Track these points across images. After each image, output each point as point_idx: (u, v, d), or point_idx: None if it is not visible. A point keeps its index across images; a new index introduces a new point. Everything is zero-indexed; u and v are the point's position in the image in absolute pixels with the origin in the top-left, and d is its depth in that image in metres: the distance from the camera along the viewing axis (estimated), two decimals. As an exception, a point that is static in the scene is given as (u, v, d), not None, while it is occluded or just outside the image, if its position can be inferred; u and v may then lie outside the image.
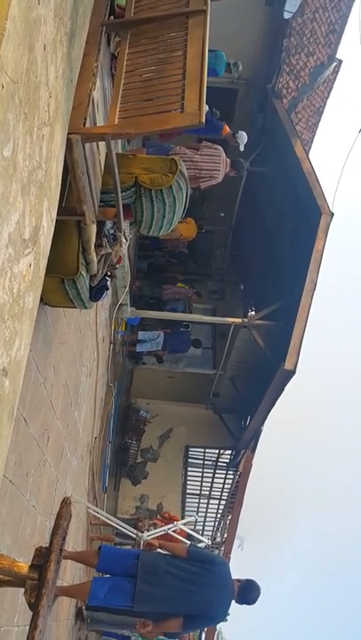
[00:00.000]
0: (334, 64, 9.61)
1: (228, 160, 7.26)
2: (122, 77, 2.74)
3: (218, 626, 16.18)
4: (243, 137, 7.96)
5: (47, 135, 1.95)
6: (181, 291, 11.49)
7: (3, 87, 1.42)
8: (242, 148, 8.22)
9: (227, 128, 7.72)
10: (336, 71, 9.86)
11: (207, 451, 12.76)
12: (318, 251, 7.86)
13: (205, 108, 2.45)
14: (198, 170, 6.95)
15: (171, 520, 7.61)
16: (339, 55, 9.58)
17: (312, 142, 10.95)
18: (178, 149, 7.00)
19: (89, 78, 2.56)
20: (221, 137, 7.81)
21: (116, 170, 2.70)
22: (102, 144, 2.90)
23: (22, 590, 1.88)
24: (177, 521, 7.43)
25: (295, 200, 8.56)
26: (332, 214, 7.82)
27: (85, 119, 2.44)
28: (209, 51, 2.72)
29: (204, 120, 2.37)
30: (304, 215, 8.20)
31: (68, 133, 2.32)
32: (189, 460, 12.77)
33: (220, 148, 7.30)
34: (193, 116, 2.39)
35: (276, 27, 8.86)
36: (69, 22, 2.19)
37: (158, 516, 7.72)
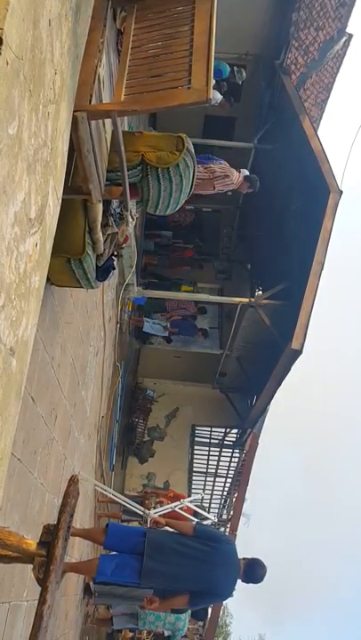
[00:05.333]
0: (344, 38, 9.43)
1: (238, 173, 7.19)
2: (128, 53, 2.70)
3: (224, 602, 16.44)
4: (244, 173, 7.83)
5: (53, 113, 1.92)
6: (184, 306, 11.42)
7: (7, 63, 1.40)
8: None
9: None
10: (346, 46, 9.67)
11: (213, 430, 12.85)
12: (326, 230, 7.78)
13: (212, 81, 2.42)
14: (211, 172, 6.94)
15: (176, 498, 7.68)
16: (349, 29, 9.40)
17: (321, 119, 10.80)
18: None
19: (95, 54, 2.52)
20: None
21: (123, 148, 2.67)
22: (108, 121, 2.87)
23: (31, 566, 1.91)
24: (183, 499, 7.50)
25: (303, 178, 8.47)
26: (341, 192, 7.73)
27: (91, 96, 2.40)
28: None
29: (210, 96, 2.34)
30: (312, 193, 8.12)
31: (74, 111, 2.29)
32: (196, 439, 12.86)
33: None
34: (200, 92, 2.36)
35: (284, 0, 8.69)
36: (74, -4, 2.15)
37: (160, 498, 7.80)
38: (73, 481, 2.03)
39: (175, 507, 6.79)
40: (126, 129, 6.49)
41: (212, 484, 12.78)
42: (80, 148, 2.43)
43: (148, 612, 6.00)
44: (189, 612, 6.55)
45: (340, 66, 10.02)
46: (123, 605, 6.27)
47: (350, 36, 9.52)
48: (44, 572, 1.83)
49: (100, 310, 5.95)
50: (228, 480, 12.82)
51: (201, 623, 9.35)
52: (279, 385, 9.48)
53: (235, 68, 8.86)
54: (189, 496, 9.63)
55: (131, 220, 3.40)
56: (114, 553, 4.43)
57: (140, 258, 10.36)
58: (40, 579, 1.83)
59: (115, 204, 3.37)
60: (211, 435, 12.90)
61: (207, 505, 12.23)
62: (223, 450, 12.78)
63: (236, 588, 4.37)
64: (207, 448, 12.82)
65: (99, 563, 4.19)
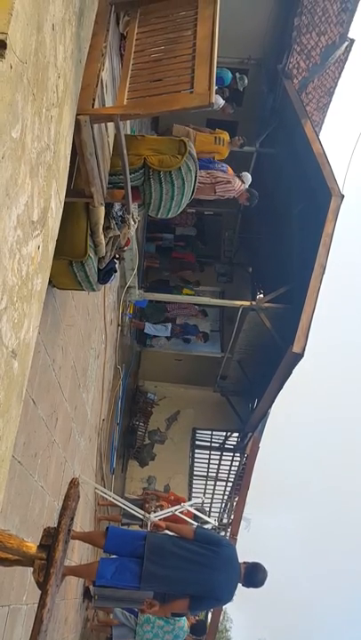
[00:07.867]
0: (346, 43, 9.46)
1: (240, 182, 7.25)
2: (131, 57, 2.70)
3: (224, 606, 16.36)
4: (247, 178, 7.84)
5: (56, 116, 1.93)
6: (185, 307, 11.42)
7: (11, 67, 1.40)
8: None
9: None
10: (348, 51, 9.70)
11: (214, 433, 12.83)
12: (328, 234, 7.79)
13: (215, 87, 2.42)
14: (213, 177, 6.96)
15: (176, 501, 7.67)
16: (351, 34, 9.43)
17: (323, 123, 10.83)
18: None
19: (98, 59, 2.53)
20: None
21: (125, 151, 2.68)
22: (111, 125, 2.88)
23: (31, 569, 1.90)
24: (183, 502, 7.48)
25: (305, 182, 8.48)
26: (343, 196, 7.74)
27: (94, 100, 2.41)
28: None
29: (213, 101, 2.34)
30: (314, 197, 8.13)
31: (77, 114, 2.30)
32: (197, 443, 12.85)
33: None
34: (202, 96, 2.36)
35: (286, 5, 8.72)
36: (78, 1, 2.16)
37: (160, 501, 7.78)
38: (73, 484, 2.03)
39: (175, 510, 6.78)
40: (129, 132, 6.51)
41: (212, 487, 12.76)
42: (83, 152, 2.44)
43: (146, 630, 5.99)
44: (188, 630, 6.53)
45: (341, 70, 10.05)
46: (122, 613, 6.25)
47: (352, 41, 9.56)
48: (44, 575, 1.82)
49: (101, 313, 5.95)
50: (229, 484, 12.80)
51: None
52: (281, 388, 9.48)
53: (237, 75, 8.89)
54: (190, 499, 9.61)
55: (132, 222, 3.40)
56: (114, 556, 4.43)
57: (141, 260, 10.37)
58: (40, 582, 1.83)
59: (117, 206, 3.38)
60: (212, 438, 12.88)
61: (208, 509, 12.20)
62: (224, 453, 12.76)
63: (236, 592, 4.37)
64: (208, 452, 12.80)
65: (99, 566, 4.18)
